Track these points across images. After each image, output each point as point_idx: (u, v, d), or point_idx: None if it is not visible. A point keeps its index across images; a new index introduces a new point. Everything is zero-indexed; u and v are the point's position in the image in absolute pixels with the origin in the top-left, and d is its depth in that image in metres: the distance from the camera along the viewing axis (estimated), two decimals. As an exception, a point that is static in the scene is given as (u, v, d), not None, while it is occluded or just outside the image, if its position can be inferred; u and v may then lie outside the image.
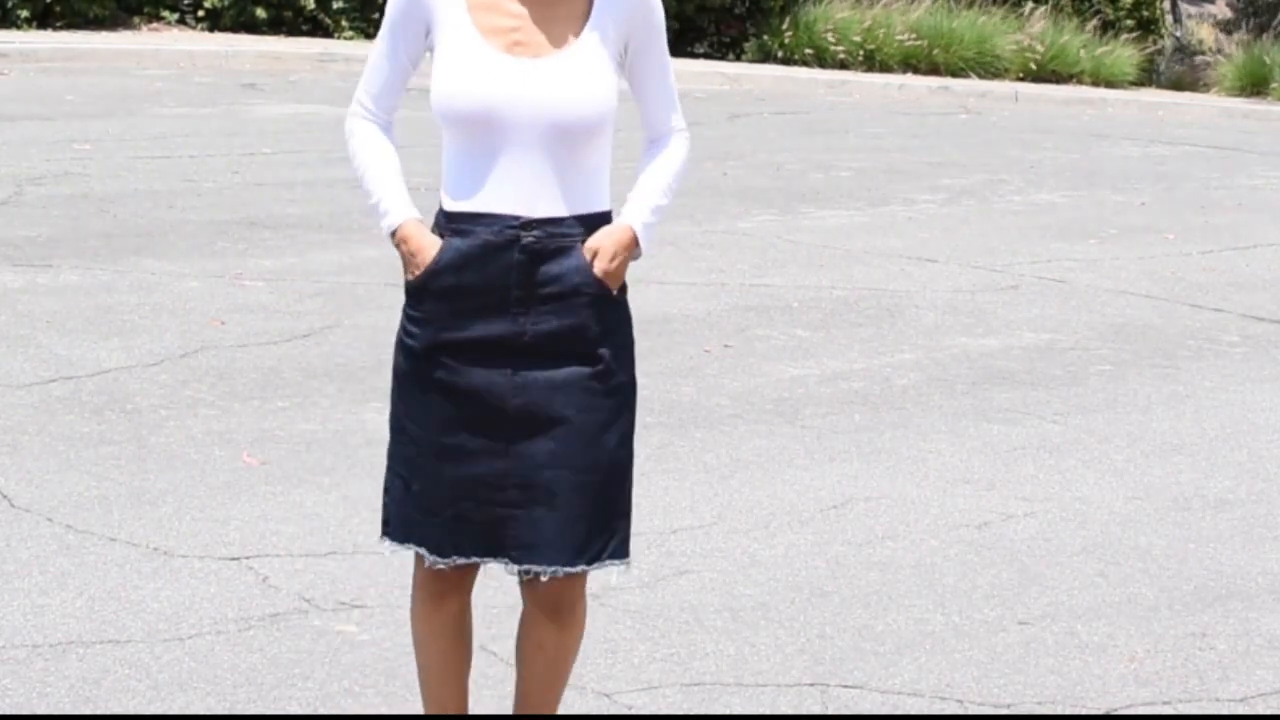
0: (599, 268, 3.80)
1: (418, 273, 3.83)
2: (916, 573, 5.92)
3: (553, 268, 3.79)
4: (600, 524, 3.86)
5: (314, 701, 4.78)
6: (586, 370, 3.81)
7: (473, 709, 4.35)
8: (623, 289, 3.89)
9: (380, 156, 3.96)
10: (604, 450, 3.84)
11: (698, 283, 9.80)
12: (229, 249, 9.86)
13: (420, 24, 3.87)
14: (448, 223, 3.84)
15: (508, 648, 4.79)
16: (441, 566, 3.91)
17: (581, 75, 3.78)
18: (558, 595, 3.91)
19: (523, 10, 3.82)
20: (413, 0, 3.87)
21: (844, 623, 5.48)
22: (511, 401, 3.81)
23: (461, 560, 3.89)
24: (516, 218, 3.79)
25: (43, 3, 18.68)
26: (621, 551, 3.91)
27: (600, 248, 3.80)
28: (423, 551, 3.92)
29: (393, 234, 3.87)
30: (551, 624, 3.95)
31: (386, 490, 3.97)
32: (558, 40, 3.80)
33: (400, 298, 4.00)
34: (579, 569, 3.87)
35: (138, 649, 5.00)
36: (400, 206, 3.89)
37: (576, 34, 3.81)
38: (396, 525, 3.95)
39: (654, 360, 8.14)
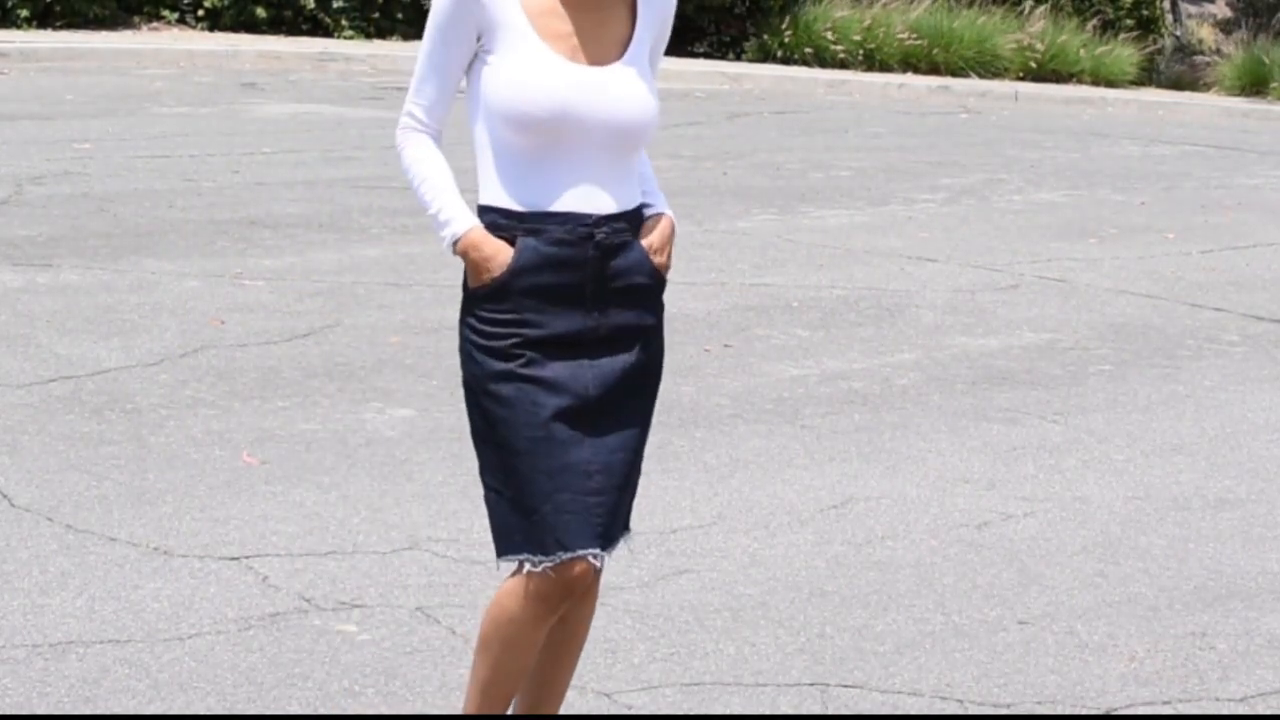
0: (659, 260, 3.97)
1: (496, 275, 3.87)
2: (916, 573, 5.92)
3: (620, 263, 3.92)
4: (629, 501, 4.01)
5: (314, 701, 4.78)
6: (645, 357, 3.97)
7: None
8: None
9: (435, 168, 3.96)
10: (645, 431, 4.01)
11: (698, 283, 9.80)
12: (229, 249, 9.86)
13: (472, 26, 3.88)
14: (519, 223, 3.89)
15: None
16: (548, 565, 3.89)
17: (639, 82, 3.91)
18: (597, 570, 3.96)
19: (574, 17, 3.89)
20: (462, 2, 3.87)
21: (844, 623, 5.48)
22: (593, 391, 3.90)
23: (566, 555, 3.87)
24: (588, 216, 3.89)
25: (43, 2, 18.69)
26: (625, 529, 4.05)
27: (652, 242, 3.96)
28: (525, 557, 3.90)
29: (456, 242, 3.91)
30: (581, 597, 4.00)
31: (489, 509, 3.98)
32: (611, 48, 3.91)
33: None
34: (619, 543, 4.01)
35: (138, 649, 5.00)
36: (462, 215, 3.92)
37: (626, 42, 3.92)
38: (501, 538, 3.95)
39: (654, 360, 8.14)
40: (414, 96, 3.97)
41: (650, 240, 3.97)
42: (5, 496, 6.09)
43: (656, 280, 3.99)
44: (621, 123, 3.88)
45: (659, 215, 4.01)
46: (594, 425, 3.90)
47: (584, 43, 3.89)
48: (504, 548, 3.93)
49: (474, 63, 3.91)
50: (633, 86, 3.89)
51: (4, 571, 5.48)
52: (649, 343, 4.00)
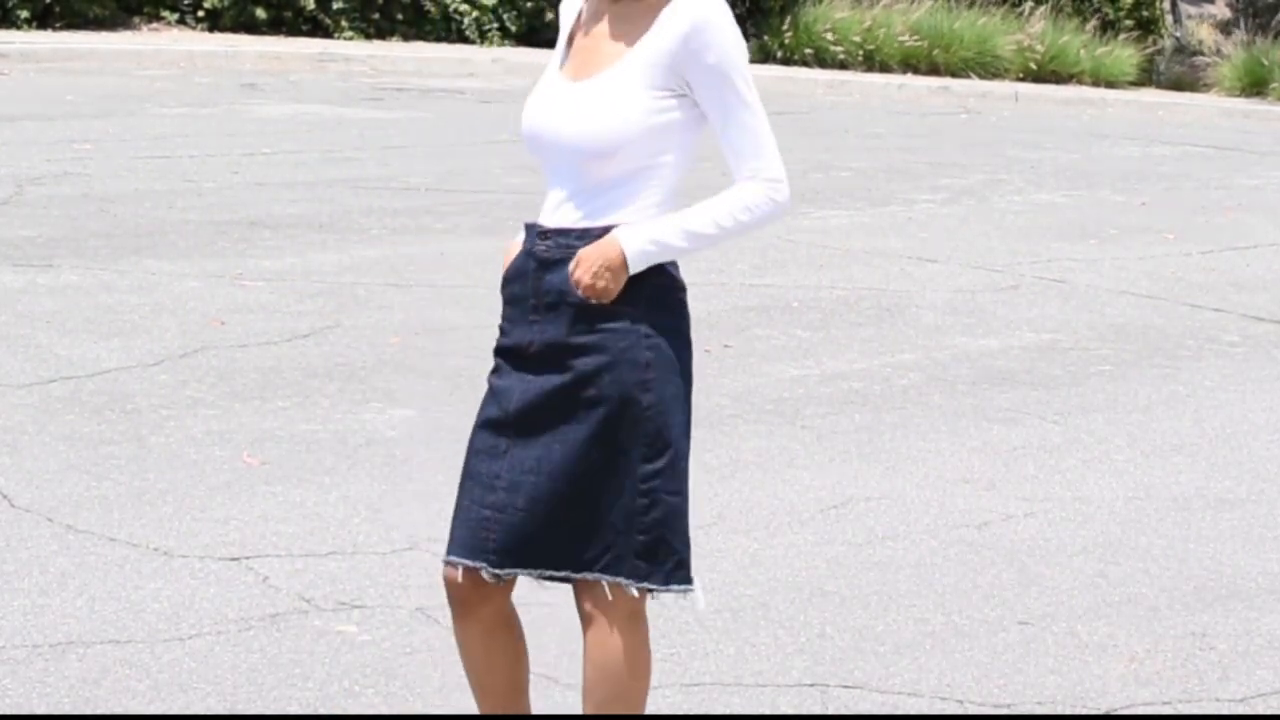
0: (573, 275, 3.80)
1: None
2: (916, 573, 5.92)
3: (552, 277, 3.85)
4: (589, 534, 3.86)
5: (314, 701, 4.78)
6: (566, 380, 3.83)
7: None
8: (653, 308, 3.84)
9: None
10: (586, 463, 3.83)
11: (698, 283, 9.78)
12: (229, 249, 9.86)
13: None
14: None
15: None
16: (444, 560, 3.94)
17: (600, 100, 3.80)
18: (582, 607, 3.92)
19: (600, 30, 3.87)
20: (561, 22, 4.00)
21: (844, 623, 5.48)
22: (513, 406, 3.87)
23: (447, 556, 3.92)
24: (542, 228, 3.88)
25: (43, 3, 18.68)
26: (619, 569, 3.86)
27: (581, 257, 3.81)
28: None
29: None
30: (585, 637, 3.94)
31: None
32: (604, 63, 3.84)
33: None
34: (563, 574, 3.88)
35: (138, 649, 5.00)
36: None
37: (620, 58, 3.83)
38: None
39: (654, 360, 8.13)
40: None
41: (579, 254, 3.81)
42: (5, 496, 6.09)
43: (578, 299, 3.80)
44: (566, 141, 3.82)
45: (608, 237, 3.80)
46: (515, 441, 3.87)
47: (588, 57, 3.86)
48: None
49: None
50: (594, 102, 3.80)
51: (4, 571, 5.48)
52: (572, 365, 3.83)
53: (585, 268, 3.79)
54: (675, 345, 3.87)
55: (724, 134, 3.86)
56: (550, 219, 3.87)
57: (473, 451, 3.92)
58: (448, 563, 3.92)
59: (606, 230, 3.82)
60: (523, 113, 3.93)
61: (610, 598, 3.88)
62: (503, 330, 3.93)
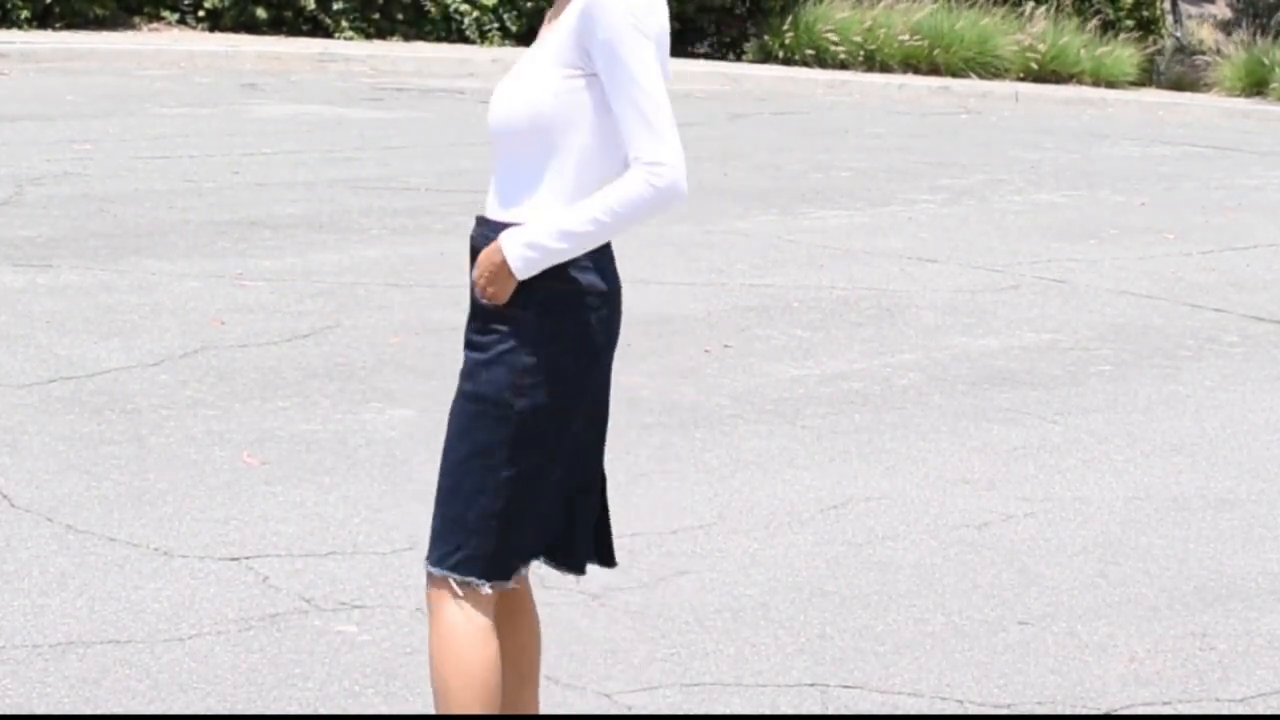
0: (472, 275, 3.80)
1: None
2: (916, 573, 5.92)
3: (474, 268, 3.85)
4: (444, 528, 3.83)
5: (314, 701, 4.78)
6: (462, 370, 3.83)
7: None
8: (547, 314, 3.77)
9: None
10: (453, 456, 3.82)
11: (698, 283, 9.80)
12: (229, 249, 9.87)
13: None
14: None
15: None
16: None
17: (522, 83, 3.79)
18: (430, 601, 3.89)
19: (550, 16, 3.88)
20: None
21: (844, 623, 5.48)
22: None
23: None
24: (482, 216, 3.87)
25: (43, 3, 18.69)
26: (468, 568, 3.81)
27: (479, 259, 3.78)
28: None
29: None
30: (437, 632, 3.89)
31: None
32: (539, 47, 3.85)
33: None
34: (426, 565, 3.86)
35: (138, 649, 5.00)
36: None
37: (545, 40, 3.83)
38: None
39: (654, 360, 8.14)
40: None
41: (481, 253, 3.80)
42: (5, 496, 6.09)
43: (481, 296, 3.79)
44: (495, 119, 3.83)
45: (495, 241, 3.77)
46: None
47: (539, 43, 3.88)
48: None
49: None
50: (514, 88, 3.80)
51: (4, 571, 5.48)
52: (471, 359, 3.81)
53: (479, 270, 3.76)
54: (568, 353, 3.78)
55: (615, 113, 3.75)
56: (487, 206, 3.86)
57: None
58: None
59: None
60: None
61: (459, 593, 3.81)
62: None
